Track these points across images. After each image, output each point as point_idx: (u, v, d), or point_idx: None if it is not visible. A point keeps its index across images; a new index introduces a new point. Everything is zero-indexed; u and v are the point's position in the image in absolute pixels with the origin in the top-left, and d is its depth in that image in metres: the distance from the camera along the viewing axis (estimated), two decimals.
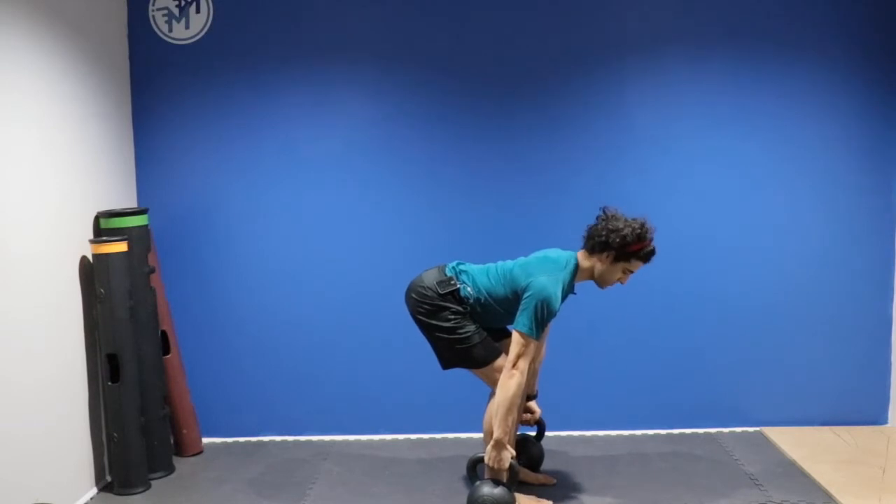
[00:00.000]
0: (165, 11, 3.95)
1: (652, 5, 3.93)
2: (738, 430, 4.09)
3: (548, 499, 3.28)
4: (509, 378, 3.00)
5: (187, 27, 3.95)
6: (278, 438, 4.13)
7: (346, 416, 4.11)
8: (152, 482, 3.59)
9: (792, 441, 3.87)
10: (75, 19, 3.43)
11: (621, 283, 3.18)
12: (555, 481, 3.50)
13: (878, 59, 3.94)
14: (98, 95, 3.65)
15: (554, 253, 3.18)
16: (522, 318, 3.01)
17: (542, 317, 3.01)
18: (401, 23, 3.95)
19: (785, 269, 4.03)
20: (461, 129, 3.98)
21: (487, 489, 3.08)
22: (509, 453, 3.06)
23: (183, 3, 3.94)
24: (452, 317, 3.15)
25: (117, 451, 3.49)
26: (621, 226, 3.05)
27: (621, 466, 3.68)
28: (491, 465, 3.07)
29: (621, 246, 3.05)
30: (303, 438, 4.12)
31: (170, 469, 3.73)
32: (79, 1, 3.48)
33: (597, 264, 3.13)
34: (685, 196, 3.99)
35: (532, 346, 3.01)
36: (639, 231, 3.05)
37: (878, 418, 4.09)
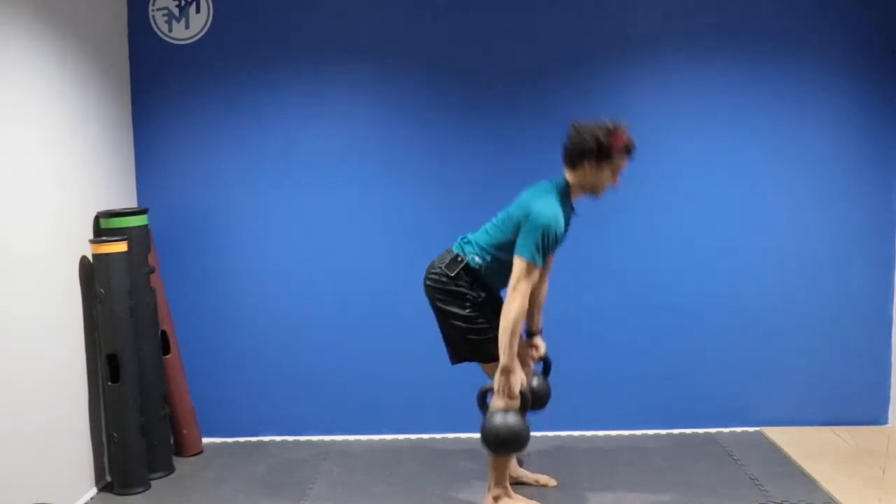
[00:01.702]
0: (165, 11, 3.95)
1: (652, 6, 3.93)
2: (738, 430, 4.08)
3: (549, 499, 3.28)
4: (511, 302, 2.96)
5: (187, 27, 3.95)
6: (278, 438, 4.13)
7: (346, 416, 4.11)
8: (152, 482, 3.59)
9: (792, 441, 3.87)
10: (75, 19, 3.43)
11: (614, 185, 3.12)
12: (556, 482, 3.50)
13: (878, 59, 3.94)
14: (98, 95, 3.65)
15: (542, 183, 3.16)
16: (524, 242, 2.98)
17: (544, 241, 2.97)
18: (401, 23, 3.95)
19: (785, 270, 4.03)
20: (461, 129, 3.98)
21: (500, 418, 3.01)
22: (518, 378, 3.02)
23: (183, 3, 3.94)
24: (469, 305, 3.13)
25: (117, 451, 3.49)
26: (593, 128, 3.02)
27: (621, 466, 3.68)
28: (500, 391, 3.02)
29: (599, 146, 3.01)
30: (303, 438, 4.12)
31: (170, 469, 3.73)
32: (79, 1, 3.48)
33: (584, 175, 3.09)
34: (685, 196, 3.99)
35: (535, 271, 2.97)
36: (611, 127, 3.02)
37: (878, 418, 4.09)
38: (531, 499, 3.25)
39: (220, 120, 3.99)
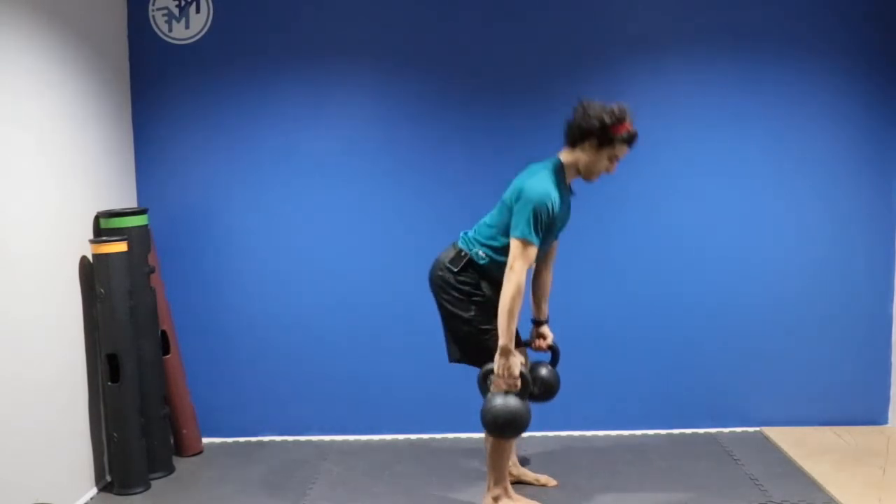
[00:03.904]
0: (165, 11, 3.95)
1: (652, 7, 3.93)
2: (738, 430, 4.09)
3: (549, 499, 3.28)
4: (507, 282, 2.93)
5: (187, 27, 3.95)
6: (278, 438, 4.13)
7: (346, 416, 4.11)
8: (152, 482, 3.59)
9: (792, 441, 3.87)
10: (75, 19, 3.43)
11: (609, 172, 3.09)
12: (556, 483, 3.50)
13: (878, 60, 3.94)
14: (98, 95, 3.65)
15: (533, 164, 3.12)
16: (517, 222, 2.94)
17: (538, 218, 2.92)
18: (401, 23, 3.95)
19: (785, 270, 4.03)
20: (461, 129, 3.98)
21: (500, 400, 2.99)
22: (518, 359, 2.99)
23: (183, 3, 3.94)
24: (474, 308, 3.11)
25: (117, 451, 3.49)
26: (599, 110, 2.98)
27: (621, 466, 3.68)
28: (500, 373, 2.99)
29: (602, 130, 2.96)
30: (303, 438, 4.12)
31: (170, 469, 3.73)
32: (79, 1, 3.48)
33: (581, 156, 3.05)
34: (685, 196, 3.99)
35: (530, 249, 2.93)
36: (618, 113, 2.98)
37: (878, 418, 4.09)
38: (531, 499, 3.25)
39: (220, 120, 3.99)
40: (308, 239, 4.04)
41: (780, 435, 3.95)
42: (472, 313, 3.11)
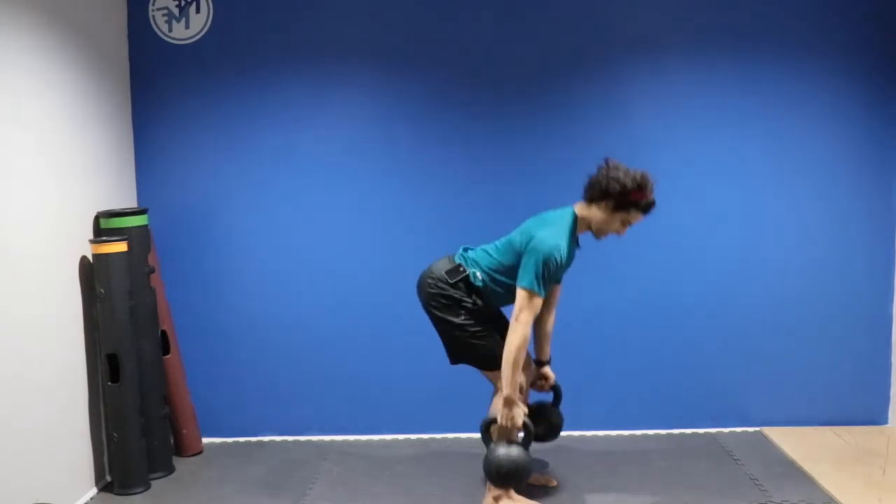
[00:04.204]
0: (165, 11, 3.95)
1: (652, 7, 3.93)
2: (738, 430, 4.09)
3: (549, 499, 3.28)
4: (512, 332, 2.96)
5: (187, 27, 3.95)
6: (278, 438, 4.13)
7: (346, 416, 4.11)
8: (152, 482, 3.59)
9: (792, 441, 3.87)
10: (75, 19, 3.43)
11: (619, 234, 3.12)
12: (556, 482, 3.50)
13: (878, 60, 3.94)
14: (98, 95, 3.65)
15: (549, 213, 3.15)
16: (524, 273, 2.97)
17: (545, 270, 2.95)
18: (401, 23, 3.95)
19: (785, 270, 4.03)
20: (461, 129, 3.98)
21: (503, 450, 3.02)
22: (521, 410, 3.01)
23: (183, 3, 3.94)
24: (464, 313, 3.13)
25: (117, 451, 3.49)
26: (622, 175, 3.00)
27: (621, 466, 3.68)
28: (504, 423, 3.02)
29: (621, 194, 2.99)
30: (303, 438, 4.12)
31: (170, 469, 3.73)
32: (79, 1, 3.48)
33: (596, 213, 3.08)
34: (685, 197, 3.98)
35: (536, 300, 2.96)
36: (640, 180, 3.00)
37: (878, 418, 4.09)
38: (531, 498, 3.25)
39: (220, 120, 3.99)
40: (308, 239, 4.04)
41: (780, 435, 3.95)
42: (463, 318, 3.14)
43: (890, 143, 3.99)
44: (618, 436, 4.07)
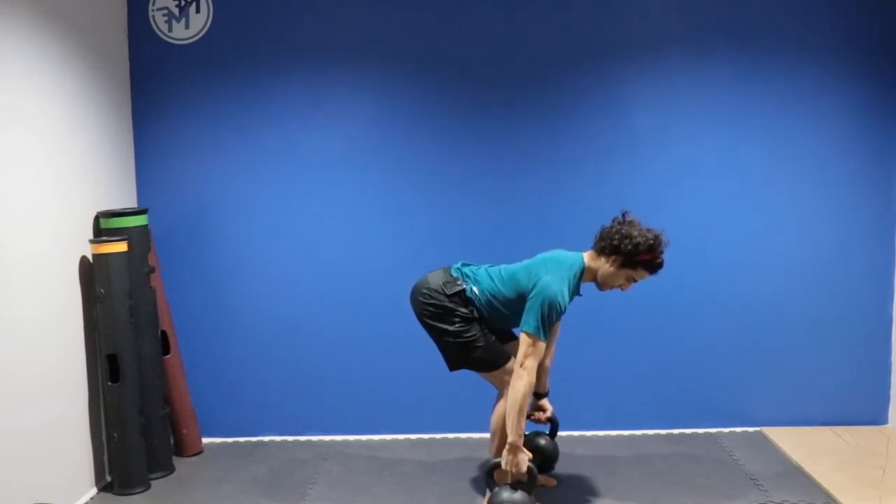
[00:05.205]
0: (165, 11, 3.95)
1: (653, 7, 3.93)
2: (738, 430, 4.09)
3: (549, 499, 3.28)
4: (518, 379, 2.98)
5: (187, 27, 3.95)
6: (278, 438, 4.13)
7: (346, 416, 4.11)
8: (152, 482, 3.59)
9: (792, 441, 3.87)
10: (75, 19, 3.43)
11: (622, 289, 3.15)
12: (556, 483, 3.50)
13: (878, 60, 3.94)
14: (98, 95, 3.65)
15: (559, 254, 3.16)
16: (529, 318, 2.99)
17: (549, 316, 2.98)
18: (401, 23, 3.95)
19: (785, 270, 4.03)
20: (462, 129, 3.98)
21: (507, 494, 3.03)
22: (526, 456, 3.03)
23: (183, 3, 3.94)
24: (457, 320, 3.14)
25: (117, 451, 3.49)
26: (635, 233, 3.01)
27: (621, 467, 3.68)
28: (508, 469, 3.04)
29: (632, 253, 3.01)
30: (303, 438, 4.12)
31: (170, 469, 3.73)
32: (79, 1, 3.48)
33: (603, 266, 3.09)
34: (685, 197, 3.99)
35: (539, 345, 2.98)
36: (651, 242, 3.01)
37: (878, 418, 4.09)
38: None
39: (219, 120, 3.99)
40: (308, 238, 4.04)
41: (780, 435, 3.95)
42: (457, 326, 3.14)
43: (890, 143, 3.98)
44: (618, 436, 4.07)
